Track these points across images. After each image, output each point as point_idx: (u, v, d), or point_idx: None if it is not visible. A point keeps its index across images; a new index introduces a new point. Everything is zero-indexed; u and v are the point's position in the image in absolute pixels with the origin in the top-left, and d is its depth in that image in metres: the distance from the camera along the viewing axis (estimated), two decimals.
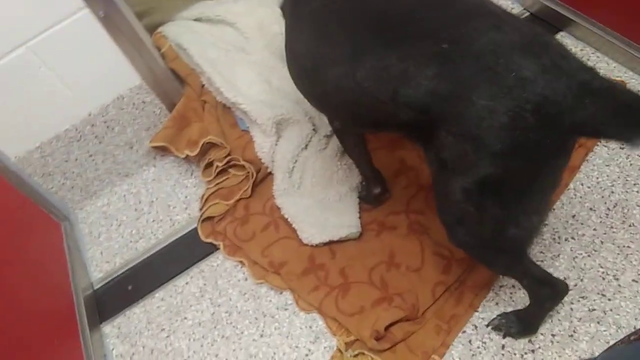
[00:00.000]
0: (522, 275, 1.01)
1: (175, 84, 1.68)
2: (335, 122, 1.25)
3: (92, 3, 1.38)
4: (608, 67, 1.46)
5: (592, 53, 1.51)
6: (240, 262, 1.42)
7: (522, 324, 1.11)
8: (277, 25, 1.65)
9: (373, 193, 1.38)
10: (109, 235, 1.63)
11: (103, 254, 1.59)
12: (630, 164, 1.27)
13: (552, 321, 1.11)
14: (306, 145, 1.54)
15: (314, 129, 1.56)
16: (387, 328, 1.16)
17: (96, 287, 1.52)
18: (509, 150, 0.75)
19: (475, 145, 0.77)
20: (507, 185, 0.81)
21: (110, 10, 1.42)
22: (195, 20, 1.76)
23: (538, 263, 1.18)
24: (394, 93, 0.83)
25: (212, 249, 1.48)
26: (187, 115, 1.65)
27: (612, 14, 1.44)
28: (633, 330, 1.05)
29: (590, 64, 1.47)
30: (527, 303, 1.08)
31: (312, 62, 1.01)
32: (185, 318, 1.37)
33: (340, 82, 0.93)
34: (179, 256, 1.50)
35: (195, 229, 1.52)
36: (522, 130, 0.73)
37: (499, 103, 0.73)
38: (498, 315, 1.14)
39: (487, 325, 1.14)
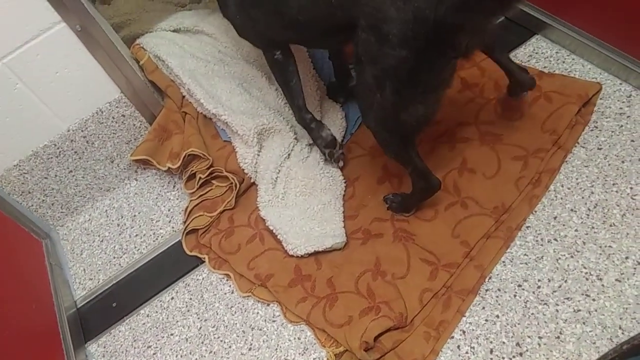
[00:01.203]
0: (407, 163, 1.23)
1: (155, 96, 1.67)
2: (276, 51, 1.37)
3: (68, 17, 1.37)
4: (583, 69, 1.48)
5: (568, 55, 1.53)
6: (226, 275, 1.41)
7: (402, 204, 1.35)
8: None
9: (322, 135, 1.46)
10: (91, 251, 1.61)
11: (86, 271, 1.57)
12: (609, 164, 1.29)
13: (538, 324, 1.12)
14: (289, 155, 1.54)
15: (295, 138, 1.56)
16: (376, 338, 1.16)
17: (80, 305, 1.50)
18: (404, 44, 0.94)
19: (380, 38, 0.97)
20: (401, 74, 1.00)
21: (87, 24, 1.41)
22: (174, 31, 1.74)
23: (522, 265, 1.20)
24: None
25: (197, 262, 1.47)
26: (168, 128, 1.64)
27: (587, 17, 1.46)
28: (619, 329, 1.07)
29: (565, 66, 1.51)
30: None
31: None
32: (172, 334, 1.36)
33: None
34: (164, 271, 1.49)
35: (180, 243, 1.51)
36: (418, 28, 0.91)
37: (402, 5, 0.91)
38: (391, 194, 1.38)
39: (385, 200, 1.37)
